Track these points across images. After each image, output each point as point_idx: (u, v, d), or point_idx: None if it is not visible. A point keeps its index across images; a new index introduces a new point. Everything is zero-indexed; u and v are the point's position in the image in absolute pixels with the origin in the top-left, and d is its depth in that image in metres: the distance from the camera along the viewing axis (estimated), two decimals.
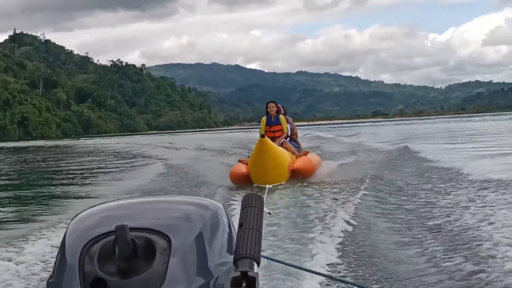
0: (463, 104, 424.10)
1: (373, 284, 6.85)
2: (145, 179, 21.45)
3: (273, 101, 18.85)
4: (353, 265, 7.64)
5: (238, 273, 1.47)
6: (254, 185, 16.08)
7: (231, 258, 1.58)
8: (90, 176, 25.75)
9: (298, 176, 16.66)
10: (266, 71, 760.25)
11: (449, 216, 10.68)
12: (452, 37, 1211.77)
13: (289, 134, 18.33)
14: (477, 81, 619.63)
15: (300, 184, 16.06)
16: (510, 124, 71.36)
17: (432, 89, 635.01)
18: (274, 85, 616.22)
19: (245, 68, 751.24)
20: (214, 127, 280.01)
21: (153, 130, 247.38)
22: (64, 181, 23.81)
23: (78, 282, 1.54)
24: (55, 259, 1.68)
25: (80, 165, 35.03)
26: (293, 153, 17.52)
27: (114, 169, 29.45)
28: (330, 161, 21.77)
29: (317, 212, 11.21)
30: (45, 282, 1.66)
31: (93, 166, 33.83)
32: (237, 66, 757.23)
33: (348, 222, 10.16)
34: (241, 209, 1.65)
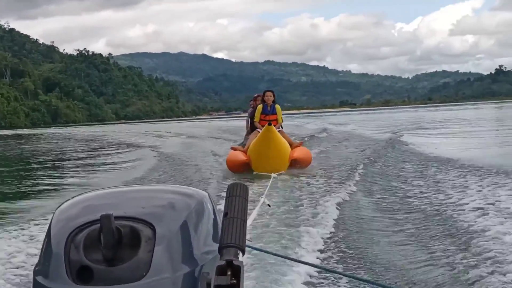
0: (430, 94, 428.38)
1: (360, 273, 6.82)
2: (133, 167, 21.52)
3: (270, 90, 18.73)
4: (342, 256, 7.63)
5: (223, 262, 1.48)
6: (254, 173, 16.10)
7: (216, 246, 1.59)
8: (74, 165, 25.71)
9: (297, 166, 16.64)
10: (234, 60, 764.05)
11: (435, 202, 10.99)
12: (419, 27, 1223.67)
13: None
14: (444, 71, 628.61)
15: (298, 173, 15.97)
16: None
17: (399, 79, 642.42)
18: (242, 74, 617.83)
19: (212, 58, 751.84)
20: (182, 117, 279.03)
21: (121, 119, 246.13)
22: (49, 170, 23.73)
23: (65, 270, 1.56)
24: (41, 248, 1.70)
25: (63, 154, 34.92)
26: (290, 143, 17.44)
27: (98, 158, 29.38)
28: (319, 151, 22.59)
29: (310, 203, 11.24)
30: (31, 271, 1.68)
31: (77, 154, 33.78)
32: (204, 55, 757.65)
33: (340, 213, 10.32)
34: (226, 198, 1.67)
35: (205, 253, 1.69)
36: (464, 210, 9.80)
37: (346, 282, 6.29)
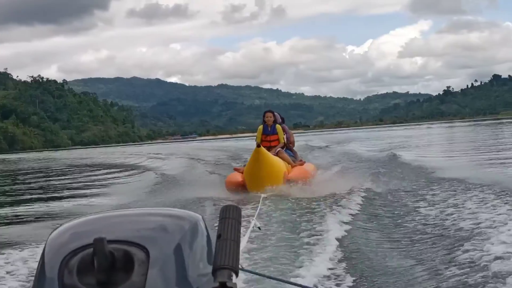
0: (381, 115, 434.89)
1: None
2: (126, 190, 22.02)
3: (270, 111, 18.81)
4: (340, 278, 7.50)
5: (217, 284, 1.49)
6: (250, 194, 15.98)
7: (210, 269, 1.58)
8: (66, 191, 25.52)
9: (294, 185, 16.35)
10: (187, 84, 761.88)
11: (438, 221, 10.88)
12: (370, 49, 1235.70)
13: (285, 143, 18.40)
14: (394, 92, 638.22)
15: (294, 194, 15.61)
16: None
17: (351, 101, 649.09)
18: (196, 98, 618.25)
19: (166, 82, 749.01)
20: (138, 142, 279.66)
21: (77, 145, 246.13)
22: (40, 196, 23.60)
23: None
24: (35, 272, 1.69)
25: (52, 180, 35.12)
26: (288, 163, 17.53)
27: (87, 183, 29.70)
28: (325, 170, 21.94)
29: (308, 224, 11.06)
30: None
31: (66, 180, 33.74)
32: (157, 80, 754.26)
33: (340, 235, 10.06)
34: (219, 221, 1.66)
35: (199, 276, 1.69)
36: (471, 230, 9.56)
37: None
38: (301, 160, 19.06)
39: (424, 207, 12.92)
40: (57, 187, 28.35)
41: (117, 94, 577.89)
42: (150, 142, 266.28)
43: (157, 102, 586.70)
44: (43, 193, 25.29)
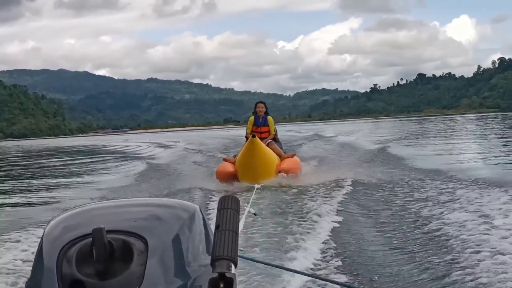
0: (310, 111, 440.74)
1: (356, 283, 6.86)
2: (122, 180, 22.16)
3: (262, 102, 18.90)
4: (336, 265, 7.63)
5: (215, 274, 1.49)
6: (242, 184, 16.13)
7: (209, 259, 1.58)
8: (64, 179, 25.44)
9: (285, 177, 16.55)
10: (116, 77, 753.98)
11: (429, 212, 11.02)
12: (300, 46, 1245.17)
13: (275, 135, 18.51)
14: (323, 89, 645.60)
15: (286, 184, 15.96)
16: None
17: (281, 97, 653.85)
18: (125, 92, 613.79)
19: (94, 75, 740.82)
20: (69, 135, 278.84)
21: (7, 137, 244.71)
22: (38, 185, 23.22)
23: (57, 284, 1.55)
24: (33, 262, 1.69)
25: (50, 168, 35.31)
26: (279, 155, 17.53)
27: (85, 171, 30.32)
28: (308, 162, 22.04)
29: (301, 213, 11.25)
30: (23, 285, 1.76)
31: (64, 168, 33.94)
32: (86, 72, 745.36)
33: (332, 222, 10.32)
34: (217, 211, 1.66)
35: (197, 266, 1.70)
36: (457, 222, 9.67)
37: None
38: (291, 153, 19.53)
39: (401, 191, 14.05)
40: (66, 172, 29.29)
41: (44, 86, 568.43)
42: (80, 135, 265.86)
43: (86, 95, 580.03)
44: (42, 181, 25.22)
